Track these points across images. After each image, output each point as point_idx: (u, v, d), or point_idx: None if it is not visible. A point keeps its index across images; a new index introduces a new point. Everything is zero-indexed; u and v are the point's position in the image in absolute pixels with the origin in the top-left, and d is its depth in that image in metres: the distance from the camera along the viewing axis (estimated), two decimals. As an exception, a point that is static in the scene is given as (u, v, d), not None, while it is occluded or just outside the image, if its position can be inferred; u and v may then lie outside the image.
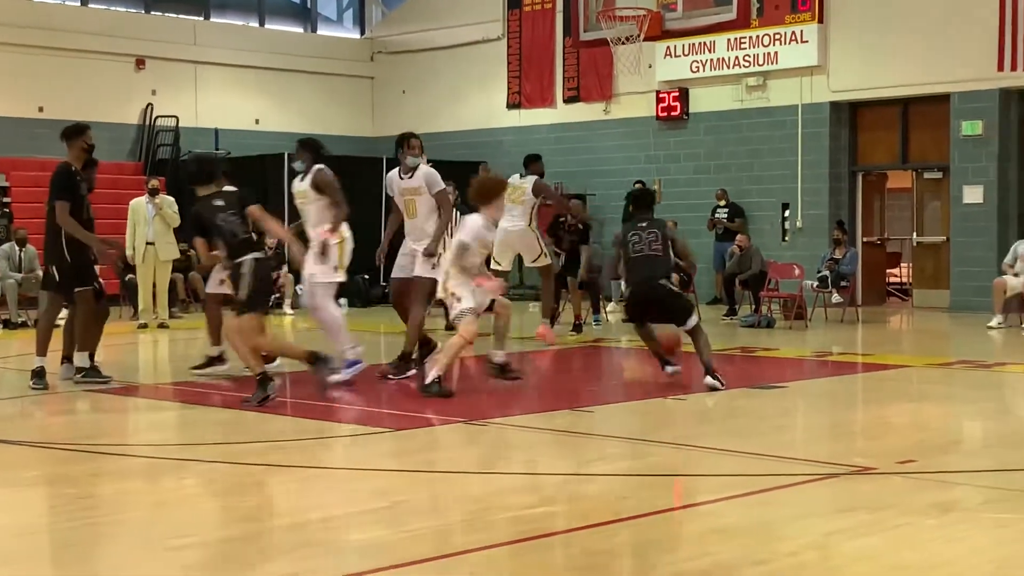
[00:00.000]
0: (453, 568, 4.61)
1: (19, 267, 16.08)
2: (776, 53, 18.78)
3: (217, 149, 21.72)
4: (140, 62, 21.77)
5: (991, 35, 16.82)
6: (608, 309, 16.69)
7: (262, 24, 23.84)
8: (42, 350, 9.50)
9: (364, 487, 6.07)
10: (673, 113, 19.95)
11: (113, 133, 20.61)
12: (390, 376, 9.88)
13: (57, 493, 6.11)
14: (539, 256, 12.90)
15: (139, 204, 15.45)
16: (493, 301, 9.16)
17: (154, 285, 15.43)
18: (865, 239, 19.08)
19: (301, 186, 9.75)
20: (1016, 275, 15.05)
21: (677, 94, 19.88)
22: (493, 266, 12.58)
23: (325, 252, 9.41)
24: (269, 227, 9.14)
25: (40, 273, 13.22)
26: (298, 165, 9.83)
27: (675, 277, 10.51)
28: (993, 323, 14.62)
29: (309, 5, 24.68)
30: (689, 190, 19.52)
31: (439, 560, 4.68)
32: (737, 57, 19.18)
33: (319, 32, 24.68)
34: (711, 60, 19.45)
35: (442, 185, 10.06)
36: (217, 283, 10.08)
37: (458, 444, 7.51)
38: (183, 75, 22.23)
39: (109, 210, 16.43)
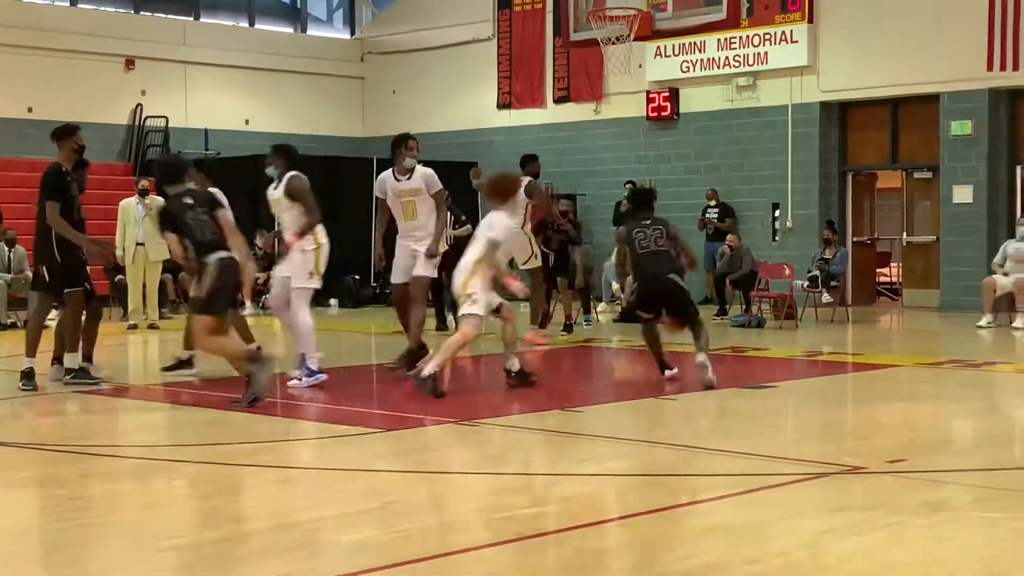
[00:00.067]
0: (445, 569, 4.61)
1: (8, 268, 16.04)
2: (766, 53, 18.81)
3: (207, 150, 21.70)
4: (130, 62, 21.74)
5: (980, 35, 16.87)
6: (599, 309, 16.70)
7: (252, 24, 23.81)
8: (31, 351, 9.47)
9: (355, 487, 6.07)
10: (663, 113, 19.98)
11: (103, 134, 20.56)
12: (406, 374, 9.87)
13: (47, 494, 6.09)
14: (530, 258, 12.91)
15: (129, 205, 15.41)
16: (500, 306, 9.15)
17: (144, 286, 15.39)
18: (855, 239, 19.12)
19: (275, 194, 9.69)
20: (1006, 275, 15.09)
21: (667, 94, 19.90)
22: None
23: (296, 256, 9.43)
24: (232, 238, 9.14)
25: (30, 274, 13.19)
26: (271, 171, 9.75)
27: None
28: (983, 322, 14.66)
29: (299, 5, 24.66)
30: (679, 190, 19.51)
31: (431, 560, 4.67)
32: (727, 57, 19.21)
33: (309, 32, 24.66)
34: (701, 60, 19.48)
35: (440, 185, 10.11)
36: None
37: (449, 444, 7.50)
38: (173, 75, 22.20)
39: (99, 211, 16.38)
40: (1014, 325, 14.51)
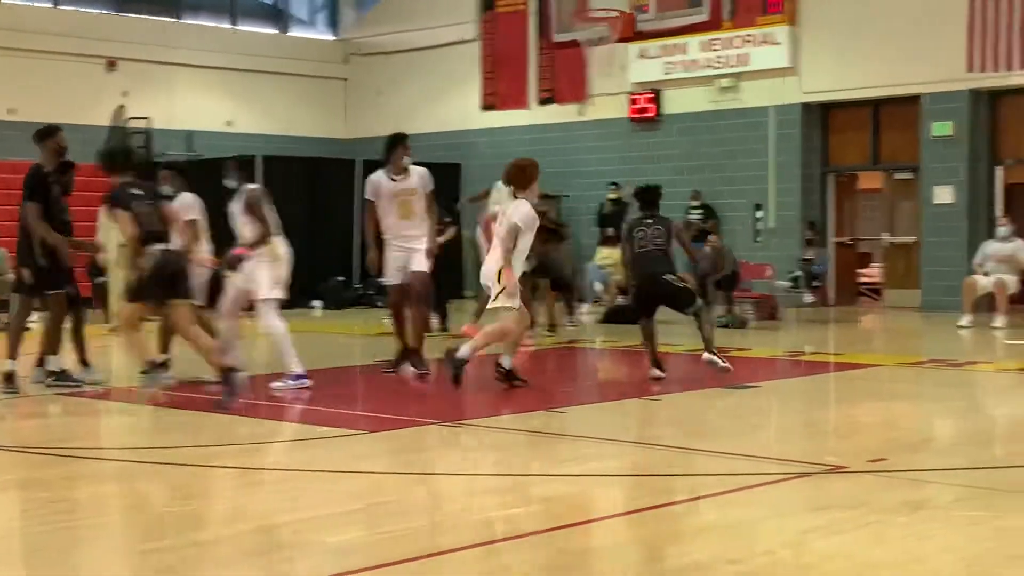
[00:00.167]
0: (431, 569, 4.62)
1: (-10, 270, 15.95)
2: (748, 55, 18.87)
3: (190, 151, 21.64)
4: (112, 63, 21.65)
5: (960, 36, 16.96)
6: (583, 311, 16.72)
7: (234, 25, 23.75)
8: (12, 353, 9.44)
9: (339, 489, 6.07)
10: (646, 114, 20.02)
11: (85, 135, 20.40)
12: (422, 373, 10.09)
13: (30, 497, 6.07)
14: None
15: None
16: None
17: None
18: (837, 239, 19.20)
19: (234, 208, 9.74)
20: (986, 275, 15.18)
21: (650, 95, 19.94)
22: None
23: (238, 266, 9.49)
24: (187, 229, 9.14)
25: (11, 275, 13.12)
26: (229, 182, 9.79)
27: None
28: (963, 322, 14.73)
29: (281, 6, 24.61)
30: (664, 191, 19.51)
31: (416, 561, 4.68)
32: (709, 59, 19.26)
33: (291, 34, 24.61)
34: (683, 62, 19.53)
35: (433, 185, 10.25)
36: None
37: (433, 445, 7.51)
38: (155, 77, 22.12)
39: (81, 212, 16.26)
40: (994, 325, 14.59)
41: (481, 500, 5.94)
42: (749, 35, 18.85)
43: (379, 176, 10.18)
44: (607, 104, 20.52)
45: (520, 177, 9.43)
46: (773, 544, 4.94)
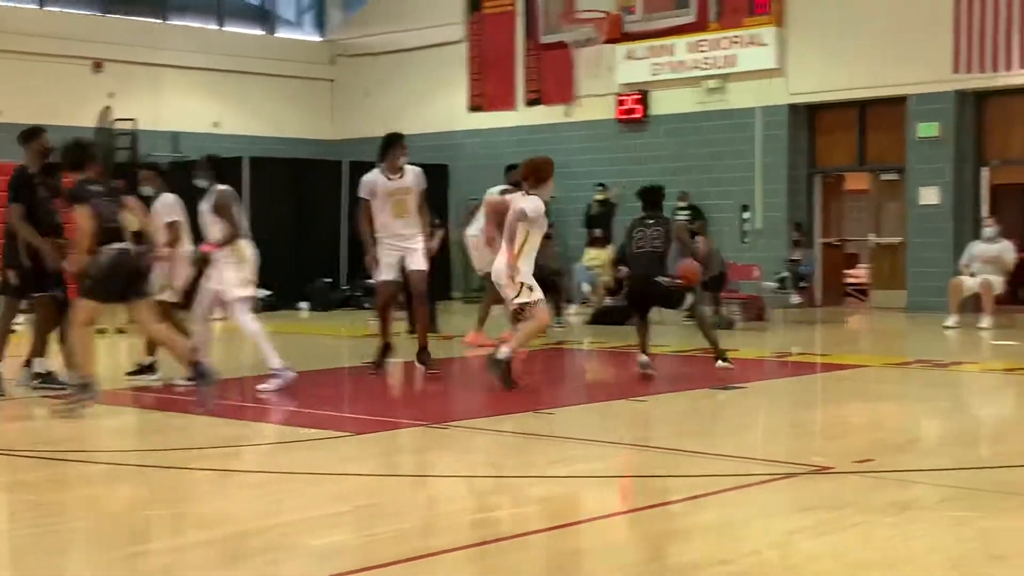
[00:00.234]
0: (417, 572, 4.61)
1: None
2: (735, 56, 18.91)
3: (176, 152, 21.59)
4: (98, 65, 21.59)
5: (947, 38, 17.01)
6: (570, 311, 16.72)
7: (221, 26, 23.71)
8: (-2, 355, 9.39)
9: (325, 491, 6.06)
10: (634, 115, 20.04)
11: (71, 136, 20.39)
12: (432, 371, 10.24)
13: (16, 500, 6.05)
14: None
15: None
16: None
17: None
18: (823, 240, 19.25)
19: (204, 207, 9.76)
20: (972, 275, 15.23)
21: (637, 97, 19.97)
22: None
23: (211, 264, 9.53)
24: (143, 220, 9.10)
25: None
26: (200, 182, 9.81)
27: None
28: (949, 323, 14.77)
29: (268, 8, 24.57)
30: (640, 188, 19.56)
31: (403, 564, 4.67)
32: (696, 60, 19.29)
33: (278, 35, 24.58)
34: (671, 63, 19.56)
35: (426, 184, 10.34)
36: (159, 291, 10.09)
37: (420, 447, 7.50)
38: (141, 78, 22.07)
39: (67, 214, 16.27)
40: (980, 325, 14.64)
41: (468, 502, 5.94)
42: (736, 36, 18.89)
43: (375, 175, 10.21)
44: (594, 105, 20.54)
45: (534, 174, 9.57)
46: (760, 545, 4.94)
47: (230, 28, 23.79)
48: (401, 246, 10.19)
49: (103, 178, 9.17)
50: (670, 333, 12.97)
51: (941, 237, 17.34)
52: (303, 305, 19.46)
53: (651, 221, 10.28)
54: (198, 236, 9.99)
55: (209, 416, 8.21)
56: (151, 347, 10.10)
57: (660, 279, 10.05)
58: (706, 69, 19.20)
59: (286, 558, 4.84)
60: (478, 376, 10.33)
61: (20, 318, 10.22)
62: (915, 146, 17.67)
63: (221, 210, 9.57)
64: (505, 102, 21.75)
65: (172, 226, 9.98)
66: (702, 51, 19.22)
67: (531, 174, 9.56)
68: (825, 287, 18.85)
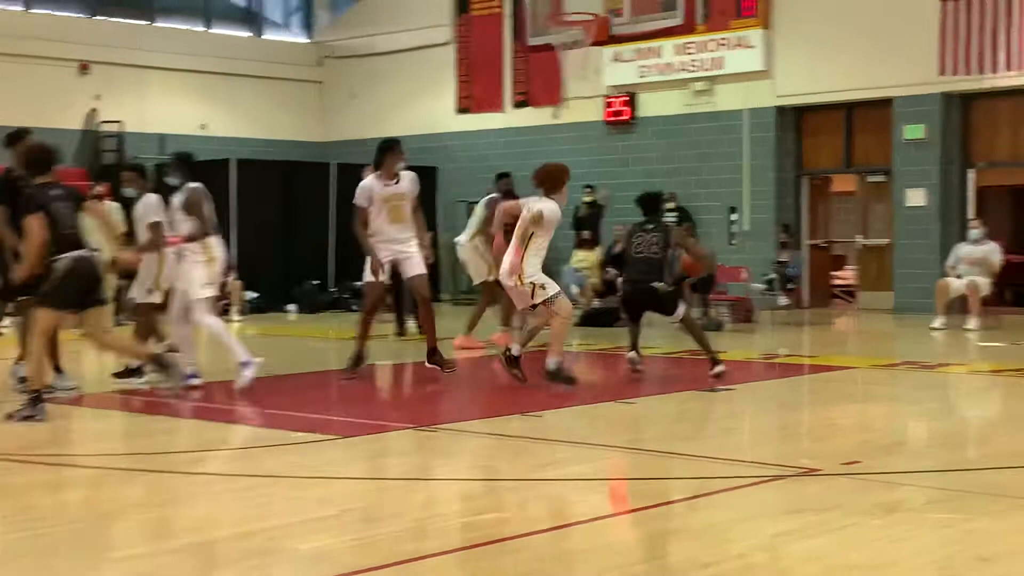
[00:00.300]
0: None
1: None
2: (722, 58, 18.94)
3: (163, 155, 21.51)
4: (84, 67, 21.53)
5: (932, 40, 17.06)
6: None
7: (208, 28, 23.66)
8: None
9: (312, 495, 6.04)
10: (622, 117, 20.06)
11: (56, 138, 20.17)
12: (449, 369, 10.32)
13: (1, 504, 6.01)
14: (489, 272, 13.11)
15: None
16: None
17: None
18: (811, 242, 19.28)
19: (175, 204, 9.75)
20: (958, 277, 15.27)
21: (625, 99, 19.98)
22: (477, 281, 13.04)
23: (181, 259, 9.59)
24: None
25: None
26: (171, 180, 9.82)
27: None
28: (936, 324, 14.81)
29: (256, 9, 24.53)
30: (638, 194, 19.57)
31: (390, 568, 4.66)
32: (684, 62, 19.32)
33: (265, 36, 24.53)
34: (658, 65, 19.58)
35: (419, 189, 10.41)
36: (145, 292, 10.08)
37: (407, 450, 7.49)
38: (128, 80, 22.01)
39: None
40: (966, 327, 14.69)
41: (456, 506, 5.93)
42: (723, 39, 18.92)
43: (371, 182, 10.20)
44: (582, 107, 20.55)
45: (550, 179, 9.73)
46: (747, 547, 4.95)
47: (217, 30, 23.74)
48: (394, 249, 10.21)
49: (65, 182, 9.03)
50: (659, 335, 12.97)
51: (928, 239, 17.39)
52: (291, 307, 19.42)
53: (650, 227, 10.43)
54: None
55: (197, 420, 8.19)
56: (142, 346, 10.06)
57: (656, 284, 10.15)
58: (693, 71, 19.22)
59: (272, 563, 4.82)
60: (467, 379, 10.32)
61: (6, 321, 10.19)
62: (901, 148, 17.72)
63: (191, 207, 9.60)
64: (493, 104, 21.75)
65: (155, 227, 9.95)
66: (689, 53, 19.24)
67: (547, 181, 9.73)
68: (812, 289, 18.89)
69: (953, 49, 16.97)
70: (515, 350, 9.80)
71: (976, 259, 15.23)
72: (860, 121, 18.55)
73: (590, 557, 4.93)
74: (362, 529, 5.33)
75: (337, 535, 5.22)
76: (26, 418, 8.05)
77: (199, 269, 9.55)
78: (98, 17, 22.14)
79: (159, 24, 22.92)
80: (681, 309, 10.29)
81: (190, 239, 9.56)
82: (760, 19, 18.58)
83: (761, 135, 18.84)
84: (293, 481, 6.40)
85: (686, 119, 19.48)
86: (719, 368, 10.04)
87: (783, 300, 16.47)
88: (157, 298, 10.03)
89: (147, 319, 10.22)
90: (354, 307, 18.22)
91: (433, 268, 11.91)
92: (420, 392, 10.37)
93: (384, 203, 10.16)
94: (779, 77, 18.60)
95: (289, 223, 20.14)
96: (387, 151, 10.25)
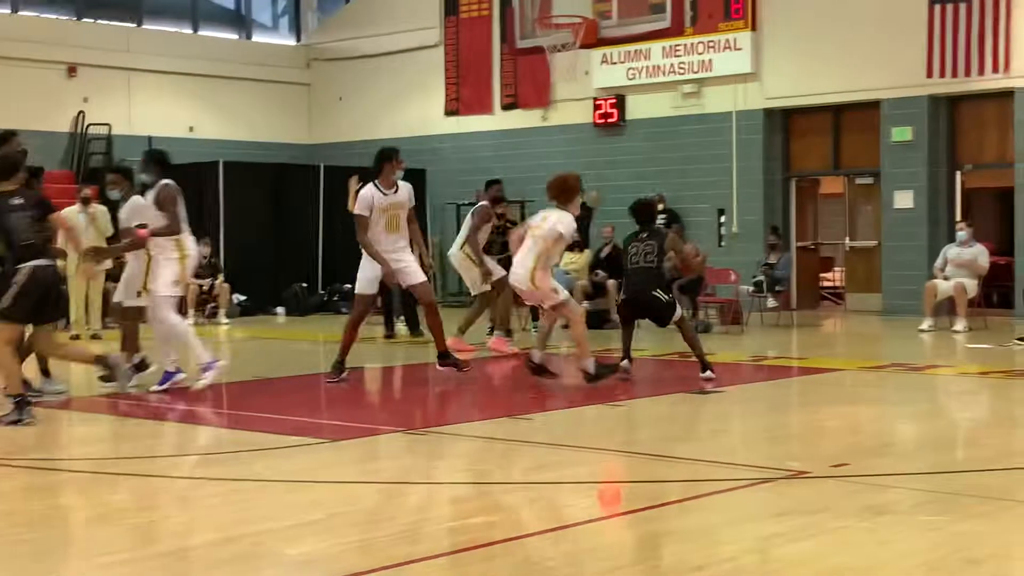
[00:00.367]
0: (391, 580, 4.60)
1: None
2: (710, 61, 18.97)
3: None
4: (72, 69, 21.46)
5: (920, 42, 17.11)
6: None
7: (196, 31, 23.60)
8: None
9: (300, 499, 6.03)
10: (610, 120, 20.07)
11: (44, 141, 20.26)
12: (465, 368, 10.41)
13: (-13, 510, 5.99)
14: (485, 280, 13.14)
15: (71, 213, 15.20)
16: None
17: (87, 296, 15.21)
18: (799, 244, 19.32)
19: (146, 201, 9.73)
20: (946, 279, 15.30)
21: (614, 101, 20.00)
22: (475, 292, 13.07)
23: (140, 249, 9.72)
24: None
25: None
26: (144, 177, 9.80)
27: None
28: (924, 326, 14.84)
29: (244, 12, 24.48)
30: (627, 196, 19.56)
31: (378, 572, 4.65)
32: (672, 64, 19.34)
33: (254, 39, 24.48)
34: (647, 67, 19.60)
35: (414, 199, 10.47)
36: (133, 296, 10.06)
37: (396, 454, 7.48)
38: (116, 82, 21.94)
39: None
40: (954, 328, 14.72)
41: (445, 509, 5.92)
42: (711, 41, 18.94)
43: (371, 191, 10.17)
44: (571, 109, 20.56)
45: (564, 191, 9.90)
46: (737, 550, 4.95)
47: (205, 32, 23.69)
48: (392, 259, 10.16)
49: (28, 190, 8.86)
50: (648, 338, 12.98)
51: (916, 240, 17.44)
52: (279, 310, 19.39)
53: (644, 235, 10.49)
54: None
55: (184, 424, 8.16)
56: (129, 353, 10.04)
57: (655, 293, 10.21)
58: (682, 74, 19.25)
59: (260, 567, 4.81)
60: (457, 382, 10.31)
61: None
62: (889, 150, 17.76)
63: (163, 204, 9.59)
64: (482, 106, 21.74)
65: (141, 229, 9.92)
66: (678, 56, 19.27)
67: (560, 192, 9.89)
68: (801, 291, 18.91)
69: (940, 52, 17.02)
70: (536, 357, 9.96)
71: (964, 261, 15.26)
72: (848, 123, 18.59)
73: (579, 561, 4.93)
74: (350, 533, 5.31)
75: (325, 539, 5.20)
76: (13, 423, 8.02)
77: (170, 267, 9.54)
78: (86, 19, 22.08)
79: (147, 27, 22.86)
80: (678, 313, 10.33)
81: (158, 234, 9.55)
82: (748, 22, 18.61)
83: (749, 137, 18.87)
84: (281, 485, 6.39)
85: (675, 121, 19.50)
86: (708, 374, 10.05)
87: (771, 302, 16.49)
88: (144, 302, 9.99)
89: (134, 323, 10.19)
90: (343, 309, 18.20)
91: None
92: (410, 395, 10.36)
93: (383, 213, 10.14)
94: (767, 79, 18.63)
95: (277, 225, 20.11)
96: (386, 160, 10.24)
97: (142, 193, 10.02)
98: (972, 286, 15.14)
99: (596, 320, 15.35)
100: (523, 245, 9.83)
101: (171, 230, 9.59)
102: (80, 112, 21.43)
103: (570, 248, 18.24)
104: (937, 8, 17.00)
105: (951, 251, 15.53)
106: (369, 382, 11.08)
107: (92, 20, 22.13)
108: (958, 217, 17.11)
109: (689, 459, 6.85)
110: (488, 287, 12.99)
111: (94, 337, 14.97)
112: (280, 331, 16.87)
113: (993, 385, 10.45)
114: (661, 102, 19.62)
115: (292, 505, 5.88)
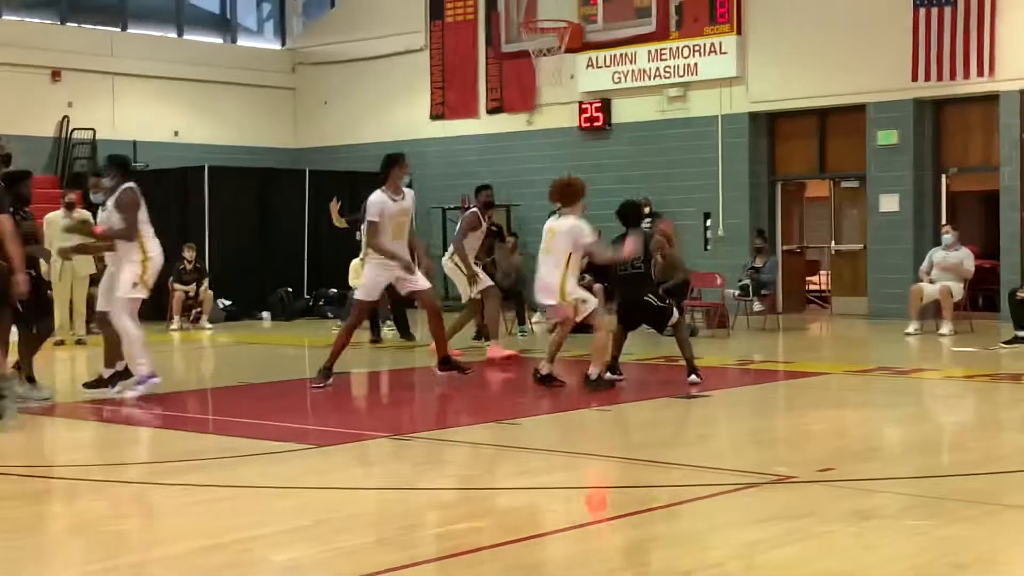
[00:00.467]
0: (378, 587, 4.58)
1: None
2: (696, 64, 18.99)
3: (136, 162, 21.39)
4: (56, 74, 21.38)
5: (905, 46, 17.17)
6: (533, 320, 16.70)
7: (180, 35, 23.54)
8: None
9: (287, 505, 6.01)
10: (596, 123, 20.08)
11: (28, 146, 20.17)
12: (468, 372, 10.41)
13: (-30, 518, 5.95)
14: (475, 285, 13.11)
15: (55, 218, 15.14)
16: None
17: (71, 301, 15.15)
18: (785, 247, 19.35)
19: (108, 204, 9.70)
20: (932, 282, 15.34)
21: (599, 105, 20.01)
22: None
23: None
24: (9, 247, 8.88)
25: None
26: (106, 181, 9.78)
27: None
28: (910, 329, 14.88)
29: (229, 16, 24.43)
30: (613, 200, 19.56)
31: (364, 579, 4.64)
32: (658, 68, 19.37)
33: (239, 43, 24.43)
34: (632, 71, 19.63)
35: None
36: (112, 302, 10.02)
37: (383, 459, 7.46)
38: (100, 87, 21.87)
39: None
40: (940, 332, 14.76)
41: (433, 515, 5.90)
42: (696, 45, 18.97)
43: (382, 197, 10.11)
44: (556, 113, 20.57)
45: (566, 195, 9.94)
46: (724, 555, 4.95)
47: (190, 36, 23.62)
48: (392, 265, 10.14)
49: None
50: (634, 343, 12.97)
51: (901, 244, 17.48)
52: (265, 315, 19.33)
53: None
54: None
55: (172, 430, 8.13)
56: (110, 358, 10.00)
57: (649, 297, 10.18)
58: (667, 78, 19.28)
59: (247, 574, 4.78)
60: (444, 387, 10.29)
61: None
62: (875, 154, 17.81)
63: (123, 207, 9.54)
64: (467, 110, 21.73)
65: None
66: (663, 60, 19.30)
67: (563, 197, 9.96)
68: (786, 294, 18.93)
69: (925, 55, 17.08)
70: (544, 369, 9.94)
71: (949, 265, 15.30)
72: (833, 127, 18.64)
73: (565, 566, 4.92)
74: (338, 539, 5.29)
75: (312, 546, 5.18)
76: None
77: (131, 269, 9.49)
78: (70, 24, 21.99)
79: (131, 31, 22.79)
80: (675, 317, 10.32)
81: (113, 235, 9.52)
82: (733, 26, 18.64)
83: (735, 141, 18.90)
84: (267, 491, 6.36)
85: (660, 125, 19.52)
86: (694, 378, 10.03)
87: (757, 306, 16.51)
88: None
89: (114, 329, 10.11)
90: (329, 314, 18.16)
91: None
92: (396, 400, 10.33)
93: (391, 219, 10.10)
94: (753, 83, 18.67)
95: (263, 229, 20.06)
96: (394, 164, 10.22)
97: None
98: (958, 289, 15.19)
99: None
100: (541, 264, 9.88)
101: (125, 234, 9.52)
102: (64, 117, 21.36)
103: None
104: (922, 12, 17.06)
105: (936, 254, 15.58)
106: (356, 387, 11.05)
107: (76, 24, 22.05)
108: (943, 221, 17.16)
109: (676, 464, 6.85)
110: (476, 294, 12.95)
111: (79, 343, 14.92)
112: (265, 336, 16.83)
113: (979, 389, 10.48)
114: (647, 106, 19.64)
115: (279, 511, 5.86)
